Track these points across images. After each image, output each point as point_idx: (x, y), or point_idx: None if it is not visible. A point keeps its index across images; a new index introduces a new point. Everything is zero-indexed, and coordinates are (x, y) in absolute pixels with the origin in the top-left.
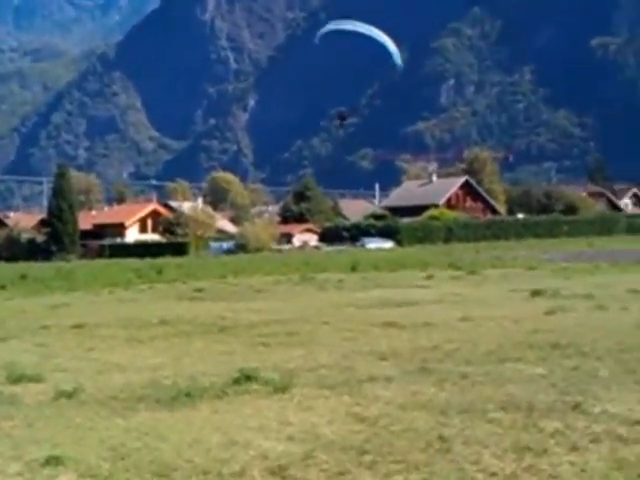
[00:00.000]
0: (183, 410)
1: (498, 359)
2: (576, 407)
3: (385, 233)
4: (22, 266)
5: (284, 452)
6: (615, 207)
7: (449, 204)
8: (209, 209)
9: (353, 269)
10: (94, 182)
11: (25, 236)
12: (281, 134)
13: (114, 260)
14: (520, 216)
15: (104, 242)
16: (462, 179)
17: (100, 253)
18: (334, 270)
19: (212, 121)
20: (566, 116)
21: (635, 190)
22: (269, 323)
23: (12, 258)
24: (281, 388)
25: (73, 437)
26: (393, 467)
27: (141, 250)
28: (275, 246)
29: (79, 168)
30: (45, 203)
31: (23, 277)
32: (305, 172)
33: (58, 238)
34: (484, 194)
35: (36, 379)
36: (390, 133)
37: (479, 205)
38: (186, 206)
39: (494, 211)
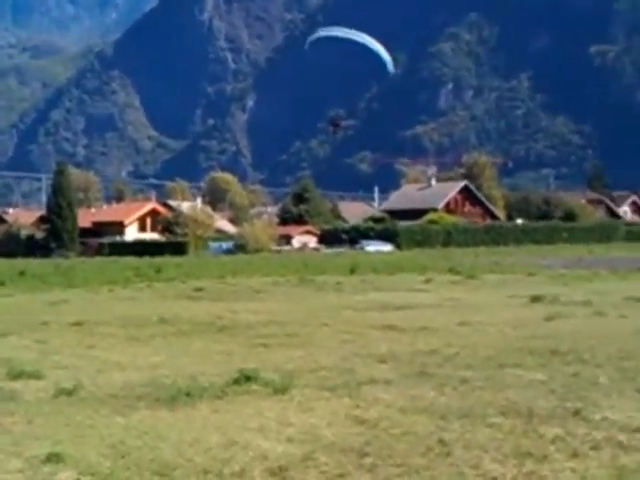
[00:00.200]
0: (183, 409)
1: (498, 364)
2: (576, 414)
3: (384, 236)
4: (21, 262)
5: (284, 453)
6: (614, 214)
7: (448, 208)
8: (208, 209)
9: (352, 272)
10: (93, 180)
11: (24, 232)
12: (280, 135)
13: (113, 258)
14: (519, 222)
15: (103, 240)
16: (461, 184)
17: (99, 251)
18: (333, 272)
19: (211, 121)
20: (564, 123)
21: (634, 198)
22: (268, 324)
23: (11, 254)
24: (281, 389)
25: (73, 434)
26: (393, 470)
27: (140, 249)
28: (274, 247)
29: (78, 165)
30: (44, 200)
31: (22, 273)
32: (304, 174)
33: (57, 235)
34: (483, 199)
35: (36, 376)
36: (389, 136)
37: (478, 210)
38: (185, 206)
39: (493, 216)
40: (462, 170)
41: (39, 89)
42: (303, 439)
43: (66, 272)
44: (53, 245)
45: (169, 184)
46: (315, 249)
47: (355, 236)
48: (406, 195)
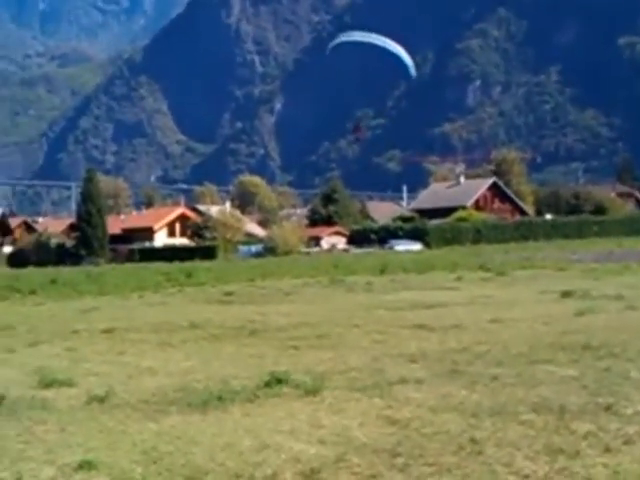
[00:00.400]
0: (215, 413)
1: (529, 361)
2: (608, 408)
3: (413, 235)
4: (52, 271)
5: (316, 455)
6: None
7: (477, 205)
8: (237, 212)
9: (382, 271)
10: (122, 186)
11: (54, 241)
12: (308, 137)
13: (143, 264)
14: (548, 217)
15: (133, 246)
16: (490, 180)
17: (129, 257)
18: (363, 273)
19: (239, 124)
20: (594, 116)
21: None
22: (299, 326)
23: (41, 263)
24: (312, 391)
25: (105, 441)
26: (425, 470)
27: (170, 254)
28: (303, 249)
29: (107, 172)
30: (74, 208)
31: (53, 282)
32: (332, 175)
33: (87, 242)
34: (512, 195)
35: (68, 383)
36: (417, 135)
37: (507, 206)
38: (214, 210)
39: (522, 212)
40: (491, 167)
41: (68, 97)
42: (335, 440)
43: (97, 279)
44: (83, 253)
45: (198, 188)
46: (344, 250)
47: (384, 236)
48: (435, 193)
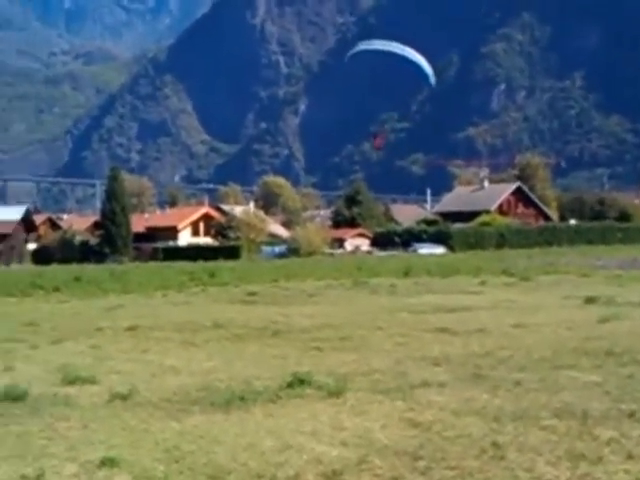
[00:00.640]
0: (237, 413)
1: (552, 366)
2: (631, 415)
3: (437, 239)
4: (76, 268)
5: (338, 457)
6: None
7: (501, 210)
8: (261, 213)
9: (405, 274)
10: (147, 185)
11: (78, 238)
12: (332, 139)
13: (167, 263)
14: (572, 222)
15: (157, 245)
16: (514, 185)
17: (153, 256)
18: (386, 275)
19: (263, 125)
20: (618, 122)
21: None
22: (322, 327)
23: (65, 260)
24: (335, 392)
25: (128, 439)
26: (447, 473)
27: (194, 253)
28: (327, 250)
29: (131, 171)
30: (98, 205)
31: (77, 279)
32: (356, 177)
33: (111, 240)
34: (536, 200)
35: (91, 381)
36: (441, 138)
37: (531, 211)
38: (238, 210)
39: (546, 217)
40: (515, 171)
41: (93, 95)
42: (357, 443)
43: (121, 277)
44: (107, 251)
45: (222, 188)
46: (368, 252)
47: (408, 239)
48: (459, 197)
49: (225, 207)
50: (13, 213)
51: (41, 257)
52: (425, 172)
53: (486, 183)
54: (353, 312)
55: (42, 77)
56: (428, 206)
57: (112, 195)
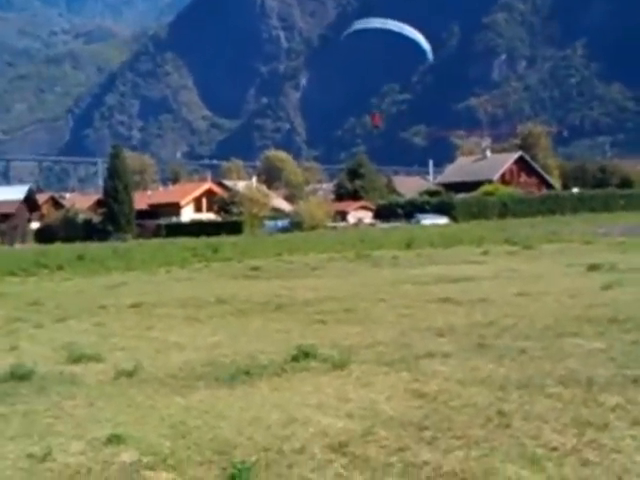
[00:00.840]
0: (242, 388)
1: (556, 334)
2: (636, 381)
3: (440, 209)
4: (79, 246)
5: (344, 429)
6: None
7: (503, 179)
8: (263, 188)
9: (408, 246)
10: (149, 162)
11: (81, 217)
12: (333, 112)
13: (170, 239)
14: (575, 191)
15: (160, 222)
16: (516, 154)
17: (156, 233)
18: (389, 247)
19: (264, 100)
20: (620, 90)
21: None
22: (325, 300)
23: (69, 239)
24: (339, 365)
25: (134, 416)
26: (453, 443)
27: (196, 229)
28: (330, 224)
29: (133, 148)
30: (100, 184)
31: (80, 257)
32: (358, 149)
33: (114, 218)
34: (538, 169)
35: (96, 358)
36: (442, 109)
37: (533, 180)
38: (241, 185)
39: (549, 186)
40: (517, 141)
41: (94, 74)
42: (362, 414)
43: (124, 255)
44: (110, 228)
45: (224, 164)
46: (371, 224)
47: (411, 210)
48: (461, 167)
49: (228, 182)
50: (16, 193)
51: (44, 236)
52: (427, 143)
53: (488, 153)
54: (356, 284)
55: (43, 57)
56: (430, 177)
57: (114, 173)
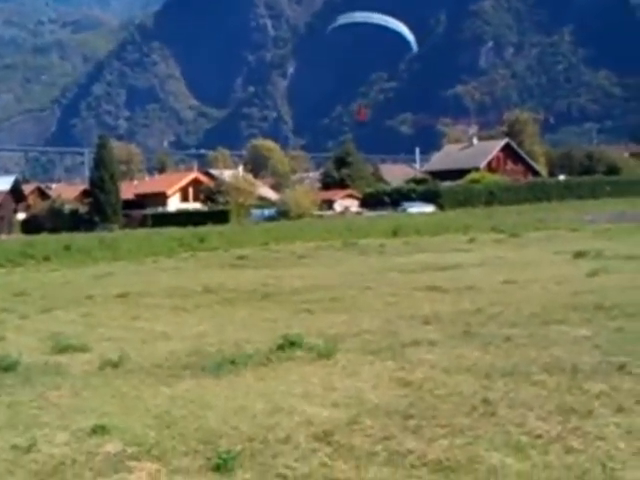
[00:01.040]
0: (228, 377)
1: (542, 321)
2: (621, 368)
3: (426, 197)
4: (65, 237)
5: (329, 418)
6: None
7: (490, 167)
8: (250, 177)
9: (395, 234)
10: (135, 152)
11: (68, 207)
12: (320, 100)
13: (156, 229)
14: (562, 178)
15: (146, 212)
16: (503, 142)
17: (142, 223)
18: (376, 235)
19: (251, 89)
20: (607, 76)
21: None
22: (312, 289)
23: (55, 229)
24: (325, 354)
25: (119, 406)
26: (438, 431)
27: (183, 219)
28: (316, 212)
29: (120, 138)
30: (87, 174)
31: (67, 248)
32: (345, 138)
33: (100, 208)
34: (525, 156)
35: (82, 349)
36: (429, 97)
37: (520, 167)
38: (227, 174)
39: (535, 173)
40: (504, 128)
41: (80, 63)
42: (348, 403)
43: (110, 245)
44: (97, 219)
45: (211, 153)
46: (357, 213)
47: (397, 198)
48: (448, 155)
49: (214, 172)
50: (2, 183)
51: (31, 227)
52: (414, 131)
53: (475, 140)
54: (343, 273)
55: (29, 46)
56: (417, 165)
57: (101, 163)
